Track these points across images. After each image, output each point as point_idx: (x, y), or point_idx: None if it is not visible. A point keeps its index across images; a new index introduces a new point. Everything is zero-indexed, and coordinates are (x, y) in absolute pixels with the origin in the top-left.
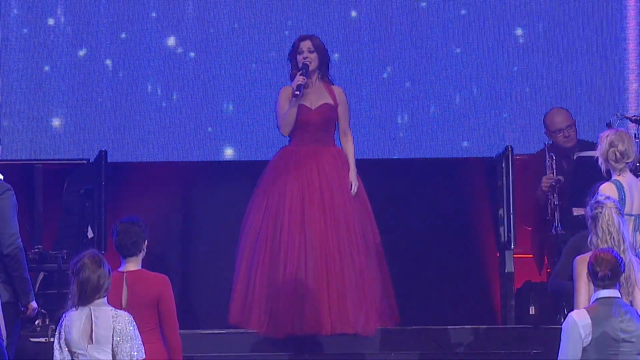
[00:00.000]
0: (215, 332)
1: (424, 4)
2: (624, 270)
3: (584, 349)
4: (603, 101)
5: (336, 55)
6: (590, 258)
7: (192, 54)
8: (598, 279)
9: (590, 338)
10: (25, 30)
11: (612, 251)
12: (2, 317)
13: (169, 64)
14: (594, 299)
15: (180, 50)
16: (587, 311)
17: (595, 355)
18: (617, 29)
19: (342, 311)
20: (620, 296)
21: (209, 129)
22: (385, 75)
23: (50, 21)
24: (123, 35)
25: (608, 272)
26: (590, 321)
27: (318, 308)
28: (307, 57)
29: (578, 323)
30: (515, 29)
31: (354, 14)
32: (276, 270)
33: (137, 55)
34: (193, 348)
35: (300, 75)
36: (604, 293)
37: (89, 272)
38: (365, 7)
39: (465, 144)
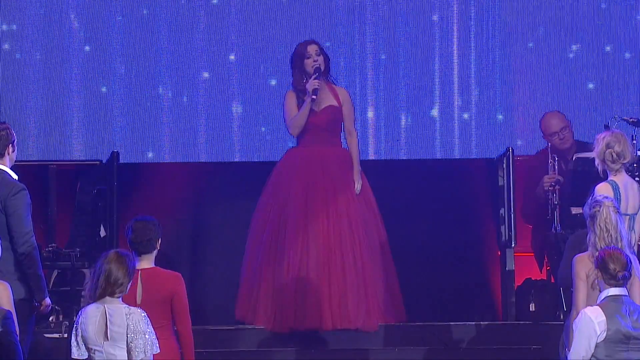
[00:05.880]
0: (223, 328)
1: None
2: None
3: (595, 346)
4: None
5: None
6: (603, 256)
7: (202, 57)
8: (614, 278)
9: (604, 335)
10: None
11: (621, 250)
12: (15, 313)
13: (180, 66)
14: (604, 296)
15: (190, 53)
16: (601, 308)
17: (604, 352)
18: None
19: (343, 307)
20: (628, 294)
21: (219, 130)
22: (388, 77)
23: (63, 23)
24: (134, 38)
25: (626, 271)
26: (605, 318)
27: (319, 304)
28: (317, 60)
29: (593, 320)
30: (516, 31)
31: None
32: (280, 267)
33: (149, 58)
34: (202, 344)
35: (314, 79)
36: (615, 291)
37: (109, 265)
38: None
39: (467, 145)
